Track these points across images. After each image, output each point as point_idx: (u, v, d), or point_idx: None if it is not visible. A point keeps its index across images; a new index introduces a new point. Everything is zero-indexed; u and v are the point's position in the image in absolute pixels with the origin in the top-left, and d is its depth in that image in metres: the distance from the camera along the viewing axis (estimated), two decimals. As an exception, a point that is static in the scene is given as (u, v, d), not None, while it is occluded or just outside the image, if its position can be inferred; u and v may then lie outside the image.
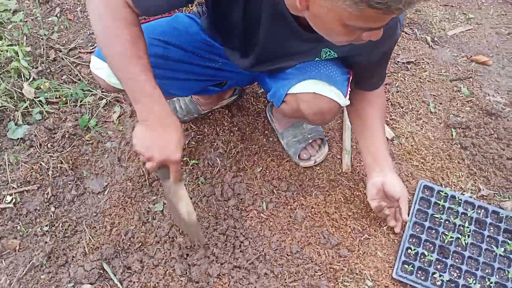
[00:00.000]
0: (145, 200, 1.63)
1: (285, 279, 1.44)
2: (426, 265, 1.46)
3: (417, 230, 1.54)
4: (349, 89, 1.37)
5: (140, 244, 1.52)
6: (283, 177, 1.70)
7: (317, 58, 1.33)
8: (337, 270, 1.47)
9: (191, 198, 1.51)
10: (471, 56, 2.24)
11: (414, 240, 1.52)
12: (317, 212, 1.60)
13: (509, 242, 1.52)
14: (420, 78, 2.12)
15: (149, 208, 1.60)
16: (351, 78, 1.39)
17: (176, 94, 1.63)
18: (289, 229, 1.56)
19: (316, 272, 1.46)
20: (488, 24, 2.44)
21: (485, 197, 1.66)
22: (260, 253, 1.50)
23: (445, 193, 1.62)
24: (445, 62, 2.21)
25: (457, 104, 2.00)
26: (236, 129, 1.83)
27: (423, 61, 2.20)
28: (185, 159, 1.72)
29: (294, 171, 1.72)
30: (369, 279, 1.45)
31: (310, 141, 1.74)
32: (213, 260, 1.47)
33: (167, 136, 1.13)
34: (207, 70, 1.47)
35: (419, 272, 1.45)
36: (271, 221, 1.58)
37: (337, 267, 1.47)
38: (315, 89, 1.31)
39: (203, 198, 1.62)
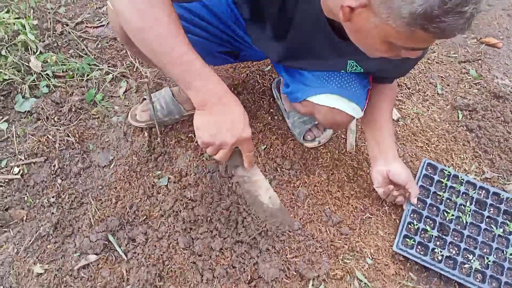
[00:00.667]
0: (150, 174, 1.64)
1: (286, 255, 1.46)
2: (426, 240, 1.48)
3: (419, 206, 1.56)
4: (367, 101, 1.40)
5: (144, 217, 1.54)
6: (287, 156, 1.70)
7: (342, 70, 1.31)
8: (338, 248, 1.48)
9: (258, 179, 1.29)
10: (481, 38, 2.22)
11: (415, 216, 1.54)
12: (320, 190, 1.62)
13: (509, 223, 1.53)
14: (428, 59, 2.10)
15: (153, 182, 1.62)
16: (370, 88, 1.41)
17: None
18: (291, 206, 1.58)
19: (317, 248, 1.48)
20: (500, 6, 2.40)
21: (489, 180, 1.67)
22: (262, 229, 1.52)
23: (448, 172, 1.63)
24: (454, 43, 2.19)
25: (465, 86, 1.99)
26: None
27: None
28: (190, 135, 1.73)
29: (298, 150, 1.73)
30: (369, 257, 1.47)
31: (316, 122, 1.74)
32: (216, 234, 1.50)
33: (231, 115, 1.01)
34: (224, 35, 1.41)
35: (419, 247, 1.47)
36: (274, 198, 1.59)
37: (338, 244, 1.49)
38: (335, 104, 1.32)
39: (207, 174, 1.63)
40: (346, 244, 1.49)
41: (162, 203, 1.57)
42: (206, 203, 1.56)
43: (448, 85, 1.99)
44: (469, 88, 1.98)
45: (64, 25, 2.17)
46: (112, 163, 1.68)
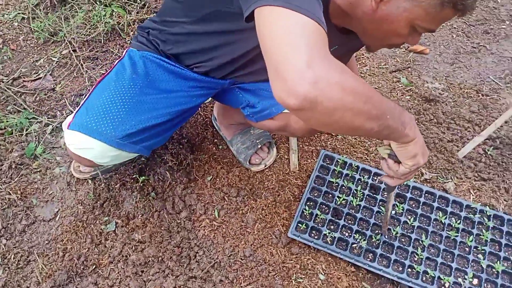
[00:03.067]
0: (97, 222, 1.63)
1: (240, 283, 1.47)
2: (320, 225, 1.55)
3: (315, 194, 1.65)
4: None
5: (94, 266, 1.51)
6: (233, 183, 1.72)
7: None
8: (290, 268, 1.50)
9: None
10: (408, 47, 2.32)
11: (310, 203, 1.62)
12: (268, 213, 1.64)
13: (398, 204, 1.61)
14: (361, 73, 2.19)
15: (101, 229, 1.60)
16: None
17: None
18: (241, 233, 1.59)
19: (270, 272, 1.49)
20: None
21: (428, 181, 1.73)
22: (214, 260, 1.52)
23: (343, 160, 1.73)
24: (384, 55, 2.29)
25: (397, 94, 2.07)
26: (185, 140, 1.85)
27: (363, 56, 2.27)
28: (134, 176, 1.73)
29: (244, 176, 1.75)
30: (321, 273, 1.49)
31: (259, 146, 1.77)
32: (168, 273, 1.49)
33: (422, 138, 1.10)
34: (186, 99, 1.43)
35: (313, 231, 1.54)
36: (223, 228, 1.60)
37: (289, 265, 1.50)
38: None
39: (154, 213, 1.63)
40: (297, 264, 1.51)
41: (110, 249, 1.55)
42: (156, 243, 1.56)
43: (382, 95, 2.06)
44: (402, 95, 2.07)
45: (1, 82, 2.15)
46: (58, 216, 1.65)
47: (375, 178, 1.70)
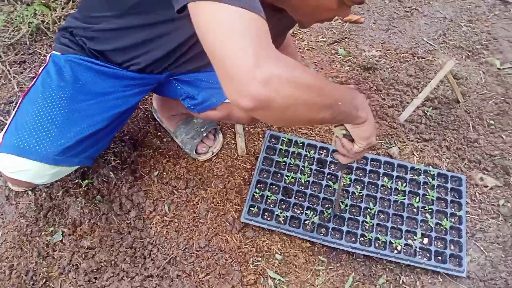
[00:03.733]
0: (42, 233, 1.56)
1: (198, 275, 1.45)
2: (271, 206, 1.56)
3: (264, 176, 1.65)
4: None
5: (44, 280, 1.45)
6: (181, 176, 1.69)
7: None
8: (246, 253, 1.49)
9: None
10: (343, 18, 2.33)
11: (261, 186, 1.62)
12: (219, 201, 1.62)
13: (345, 176, 1.64)
14: (300, 48, 2.18)
15: (47, 241, 1.54)
16: None
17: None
18: (194, 225, 1.57)
19: (227, 260, 1.48)
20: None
21: (373, 148, 1.75)
22: (170, 256, 1.49)
23: (288, 138, 1.73)
24: (321, 28, 2.28)
25: (337, 65, 2.08)
26: (127, 137, 1.79)
27: (300, 31, 2.26)
28: (77, 181, 1.66)
29: (192, 167, 1.72)
30: (278, 253, 1.49)
31: (205, 134, 1.74)
32: (123, 276, 1.45)
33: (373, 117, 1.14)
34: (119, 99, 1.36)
35: (266, 213, 1.54)
36: (176, 222, 1.57)
37: (245, 249, 1.50)
38: None
39: (102, 216, 1.58)
40: (253, 247, 1.50)
41: (59, 260, 1.50)
42: (107, 247, 1.51)
43: (322, 69, 2.07)
44: (341, 66, 2.08)
45: None
46: (-1, 233, 1.57)
47: (321, 152, 1.70)
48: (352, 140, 1.15)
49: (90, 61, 1.28)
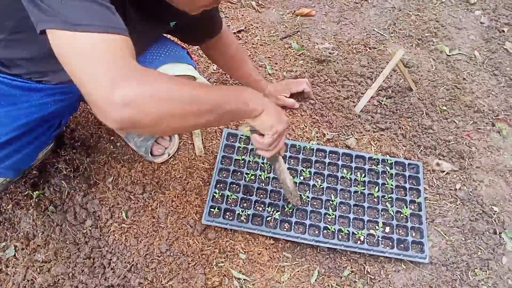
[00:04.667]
0: (-8, 250, 1.47)
1: (161, 282, 1.41)
2: (232, 205, 1.53)
3: (224, 175, 1.62)
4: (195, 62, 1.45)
5: (-3, 299, 1.38)
6: (137, 180, 1.63)
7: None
8: (209, 255, 1.46)
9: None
10: (295, 11, 2.32)
11: (220, 185, 1.60)
12: (179, 204, 1.58)
13: (305, 169, 1.64)
14: (252, 43, 2.15)
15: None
16: (188, 50, 1.44)
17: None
18: (154, 230, 1.52)
19: (190, 263, 1.44)
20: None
21: (330, 141, 1.76)
22: (130, 264, 1.44)
23: (246, 135, 1.71)
24: (273, 22, 2.27)
25: (290, 60, 2.07)
26: (79, 144, 1.72)
27: (252, 26, 2.23)
28: (27, 192, 1.58)
29: (148, 170, 1.66)
30: (241, 252, 1.47)
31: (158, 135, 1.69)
32: (81, 288, 1.39)
33: (274, 106, 1.15)
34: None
35: (228, 213, 1.52)
36: (135, 229, 1.52)
37: (208, 251, 1.47)
38: (173, 72, 1.31)
39: (56, 228, 1.51)
40: (216, 248, 1.47)
41: (13, 276, 1.42)
42: (63, 259, 1.45)
43: (276, 63, 2.06)
44: (295, 60, 2.07)
45: None
46: None
47: None
48: (262, 134, 1.17)
49: (1, 76, 1.20)
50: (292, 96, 1.84)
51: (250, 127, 1.18)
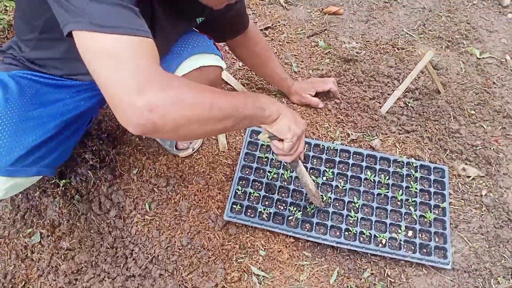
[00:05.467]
0: (20, 235, 1.51)
1: (181, 274, 1.42)
2: (254, 203, 1.54)
3: (246, 172, 1.63)
4: (221, 52, 1.46)
5: (23, 283, 1.42)
6: (161, 173, 1.65)
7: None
8: (229, 250, 1.47)
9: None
10: (323, 9, 2.31)
11: (243, 182, 1.60)
12: (201, 198, 1.59)
13: (327, 170, 1.63)
14: (279, 41, 2.15)
15: (25, 243, 1.49)
16: (214, 41, 1.45)
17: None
18: (176, 223, 1.54)
19: (210, 257, 1.45)
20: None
21: (355, 141, 1.74)
22: (152, 255, 1.46)
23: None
24: (300, 20, 2.26)
25: (317, 58, 2.06)
26: (105, 135, 1.75)
27: (279, 23, 2.23)
28: (54, 181, 1.61)
29: (172, 164, 1.68)
30: (261, 249, 1.47)
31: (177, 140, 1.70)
32: (104, 277, 1.42)
33: (289, 111, 1.16)
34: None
35: (249, 210, 1.53)
36: (157, 221, 1.54)
37: (228, 246, 1.48)
38: (200, 63, 1.33)
39: (81, 217, 1.54)
40: (236, 244, 1.48)
41: (38, 262, 1.46)
42: (87, 248, 1.48)
43: (302, 61, 2.05)
44: (321, 59, 2.06)
45: None
46: (-26, 236, 1.52)
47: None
48: (281, 139, 1.18)
49: (35, 75, 1.24)
50: (317, 95, 1.83)
51: (268, 133, 1.18)
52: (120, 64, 0.76)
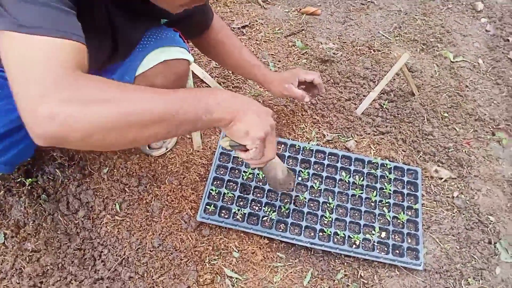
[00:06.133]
0: (-18, 236, 1.45)
1: (152, 276, 1.39)
2: (229, 203, 1.51)
3: (221, 172, 1.60)
4: (187, 44, 1.38)
5: (-16, 286, 1.35)
6: (133, 172, 1.61)
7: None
8: (202, 252, 1.44)
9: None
10: (300, 9, 2.30)
11: (218, 182, 1.57)
12: (174, 198, 1.55)
13: (304, 170, 1.62)
14: (256, 40, 2.13)
15: (-12, 244, 1.43)
16: (179, 33, 1.37)
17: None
18: (148, 224, 1.50)
19: (182, 259, 1.42)
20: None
21: (330, 142, 1.74)
22: (121, 257, 1.42)
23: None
24: (278, 19, 2.24)
25: (294, 58, 2.05)
26: (75, 133, 1.69)
27: (257, 22, 2.21)
28: (20, 179, 1.55)
29: (144, 163, 1.64)
30: (235, 251, 1.45)
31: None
32: (71, 280, 1.37)
33: (252, 104, 0.98)
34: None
35: (223, 211, 1.50)
36: (127, 222, 1.50)
37: (201, 248, 1.45)
38: (164, 56, 1.25)
39: (47, 217, 1.48)
40: (209, 246, 1.45)
41: (1, 264, 1.40)
42: (53, 249, 1.42)
43: (279, 61, 2.04)
44: (298, 59, 2.05)
45: None
46: None
47: (279, 147, 1.67)
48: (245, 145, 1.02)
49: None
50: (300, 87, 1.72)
51: (229, 140, 1.04)
52: (27, 68, 0.70)
